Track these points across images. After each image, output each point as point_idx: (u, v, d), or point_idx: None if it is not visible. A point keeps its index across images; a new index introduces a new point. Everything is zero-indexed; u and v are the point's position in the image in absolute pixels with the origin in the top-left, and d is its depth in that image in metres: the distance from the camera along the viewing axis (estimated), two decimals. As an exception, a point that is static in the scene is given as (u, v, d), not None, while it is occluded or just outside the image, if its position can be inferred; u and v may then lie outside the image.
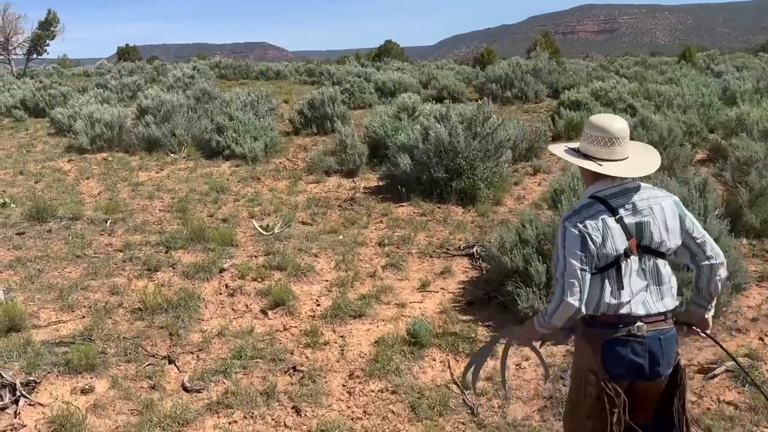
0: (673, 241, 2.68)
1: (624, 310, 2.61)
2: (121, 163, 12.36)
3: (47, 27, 46.46)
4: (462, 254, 7.10)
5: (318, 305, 5.94)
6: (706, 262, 2.71)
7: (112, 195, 10.01)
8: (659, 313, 2.64)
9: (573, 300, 2.56)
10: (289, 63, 39.37)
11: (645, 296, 2.64)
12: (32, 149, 14.54)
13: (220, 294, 6.25)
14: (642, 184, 2.73)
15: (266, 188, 10.43)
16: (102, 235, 8.07)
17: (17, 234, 8.07)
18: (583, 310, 2.59)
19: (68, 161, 12.83)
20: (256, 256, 7.21)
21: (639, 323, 2.60)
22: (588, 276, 2.57)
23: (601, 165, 2.66)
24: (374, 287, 6.30)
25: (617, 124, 2.70)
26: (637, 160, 2.74)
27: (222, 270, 6.74)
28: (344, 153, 11.41)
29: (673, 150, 9.43)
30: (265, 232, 7.89)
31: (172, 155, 12.95)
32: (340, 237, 7.76)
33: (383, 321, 5.59)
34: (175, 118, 13.61)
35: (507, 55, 38.41)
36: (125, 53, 54.05)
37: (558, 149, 2.88)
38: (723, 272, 2.73)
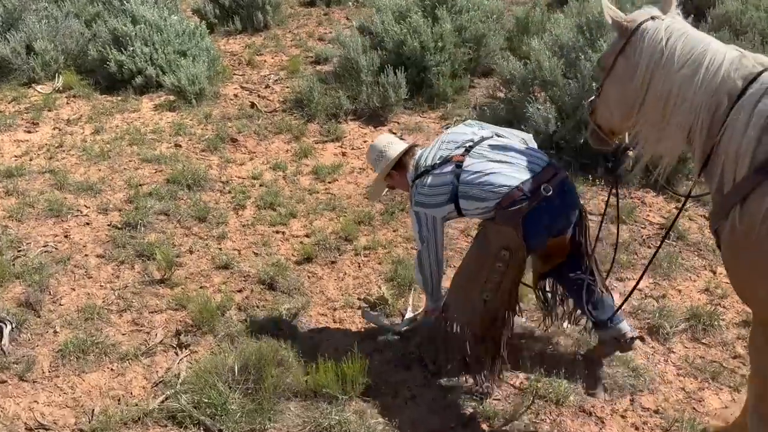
0: (479, 132, 2.93)
1: (508, 184, 2.64)
2: (-50, 115, 6.49)
3: None
4: None
5: None
6: None
7: (-30, 214, 4.62)
8: (546, 167, 2.70)
9: (420, 268, 3.12)
10: None
11: (510, 166, 2.68)
12: None
13: None
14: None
15: (264, 163, 5.51)
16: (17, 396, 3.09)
17: None
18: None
19: None
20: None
21: (544, 185, 2.63)
22: (435, 232, 2.94)
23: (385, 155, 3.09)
24: None
25: (376, 143, 3.16)
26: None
27: None
28: (357, 82, 6.59)
29: None
30: (392, 331, 3.38)
31: (38, 89, 7.22)
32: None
33: None
34: (27, 20, 7.61)
35: None
36: None
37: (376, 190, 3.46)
38: None
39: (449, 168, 2.80)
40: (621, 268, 3.93)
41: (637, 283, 2.89)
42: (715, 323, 3.42)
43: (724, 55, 2.12)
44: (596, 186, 4.87)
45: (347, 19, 10.43)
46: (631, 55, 2.32)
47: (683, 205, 2.57)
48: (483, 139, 2.87)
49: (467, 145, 2.85)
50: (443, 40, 6.66)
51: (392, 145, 3.10)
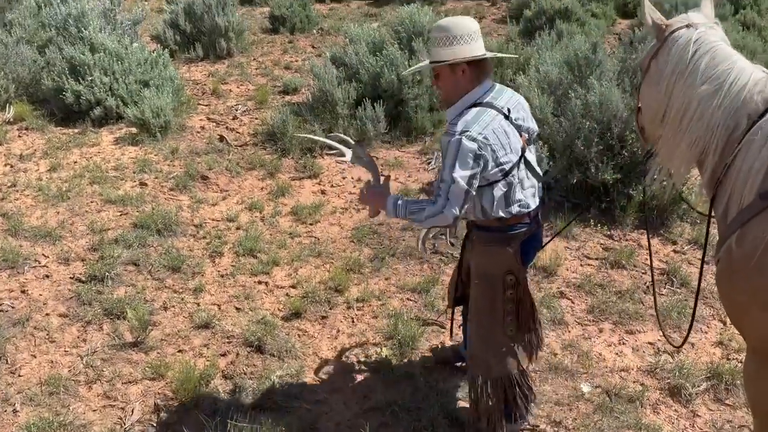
0: (534, 127, 2.61)
1: (532, 206, 2.51)
2: None
3: None
4: None
5: None
6: None
7: None
8: (541, 198, 2.61)
9: (452, 213, 2.32)
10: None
11: (534, 188, 2.55)
12: None
13: None
14: (500, 84, 2.54)
15: (239, 203, 5.13)
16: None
17: None
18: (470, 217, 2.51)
19: None
20: None
21: (538, 215, 2.58)
22: (474, 190, 2.33)
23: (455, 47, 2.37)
24: None
25: (462, 22, 2.40)
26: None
27: None
28: (333, 115, 6.30)
29: None
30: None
31: (-13, 120, 6.67)
32: None
33: None
34: (-27, 46, 7.07)
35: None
36: None
37: (419, 65, 2.69)
38: None
39: (518, 143, 2.43)
40: (629, 320, 3.70)
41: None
42: (737, 382, 3.21)
43: (749, 75, 2.00)
44: (589, 228, 4.67)
45: (312, 47, 10.16)
46: (660, 61, 2.21)
47: (708, 224, 2.25)
48: (533, 140, 2.62)
49: (529, 133, 2.54)
50: (420, 73, 6.43)
51: (478, 38, 2.40)
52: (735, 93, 1.99)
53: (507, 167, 2.37)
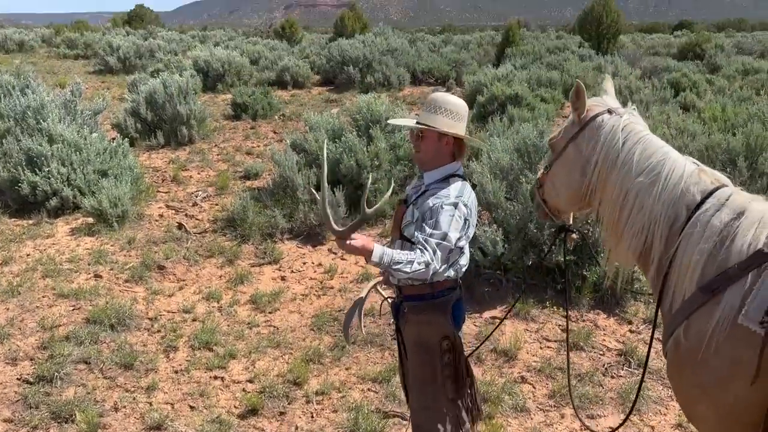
0: None
1: (463, 271, 2.64)
2: None
3: None
4: None
5: None
6: None
7: None
8: None
9: (434, 268, 2.39)
10: (32, 30, 29.15)
11: (467, 257, 2.66)
12: None
13: None
14: None
15: (196, 293, 5.04)
16: None
17: None
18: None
19: None
20: None
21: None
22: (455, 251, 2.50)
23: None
24: None
25: (463, 104, 2.61)
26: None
27: None
28: (293, 200, 6.34)
29: None
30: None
31: (-63, 212, 6.50)
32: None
33: None
34: (-73, 138, 6.97)
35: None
36: None
37: (406, 122, 2.76)
38: None
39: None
40: (590, 404, 3.68)
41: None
42: (699, 466, 3.18)
43: (683, 167, 2.06)
44: (547, 309, 4.71)
45: (274, 132, 10.34)
46: (583, 146, 2.23)
47: (657, 309, 2.17)
48: None
49: None
50: (379, 158, 6.57)
51: (466, 121, 2.61)
52: (673, 185, 2.04)
53: (471, 236, 2.56)
